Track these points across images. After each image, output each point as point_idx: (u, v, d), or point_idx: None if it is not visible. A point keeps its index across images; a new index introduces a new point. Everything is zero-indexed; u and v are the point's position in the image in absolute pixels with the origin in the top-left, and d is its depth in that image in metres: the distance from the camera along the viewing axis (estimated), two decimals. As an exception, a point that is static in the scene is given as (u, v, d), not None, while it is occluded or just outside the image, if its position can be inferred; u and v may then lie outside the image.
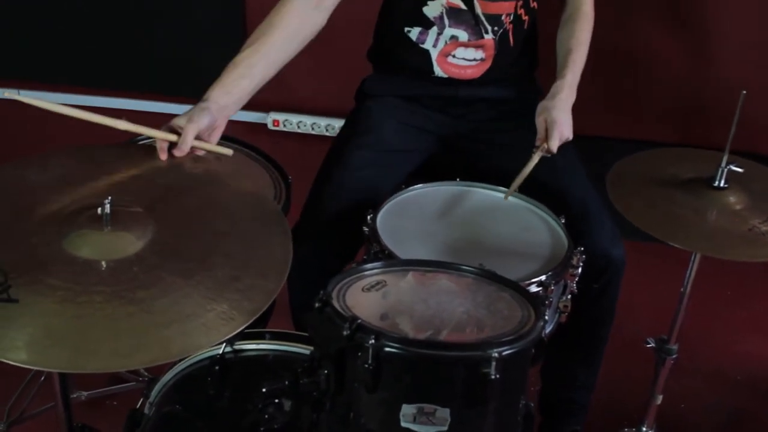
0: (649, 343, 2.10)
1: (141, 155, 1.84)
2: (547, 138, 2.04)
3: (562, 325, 1.98)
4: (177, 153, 1.81)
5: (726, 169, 1.80)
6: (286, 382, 1.57)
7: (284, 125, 3.14)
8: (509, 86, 2.26)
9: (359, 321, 1.49)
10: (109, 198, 1.58)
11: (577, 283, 1.95)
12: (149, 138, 1.93)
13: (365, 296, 1.63)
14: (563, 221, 1.98)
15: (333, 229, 2.07)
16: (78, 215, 1.60)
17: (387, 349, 1.47)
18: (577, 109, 2.07)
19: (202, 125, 1.83)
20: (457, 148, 2.27)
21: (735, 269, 2.93)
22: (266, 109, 3.13)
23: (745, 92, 1.69)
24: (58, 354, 1.39)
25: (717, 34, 2.77)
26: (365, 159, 2.16)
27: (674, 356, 2.10)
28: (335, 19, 2.77)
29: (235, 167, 2.04)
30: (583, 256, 1.92)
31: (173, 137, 1.81)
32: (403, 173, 2.20)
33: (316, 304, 1.57)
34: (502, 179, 2.08)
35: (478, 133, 2.26)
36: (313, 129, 3.14)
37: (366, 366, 1.47)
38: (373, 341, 1.47)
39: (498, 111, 2.26)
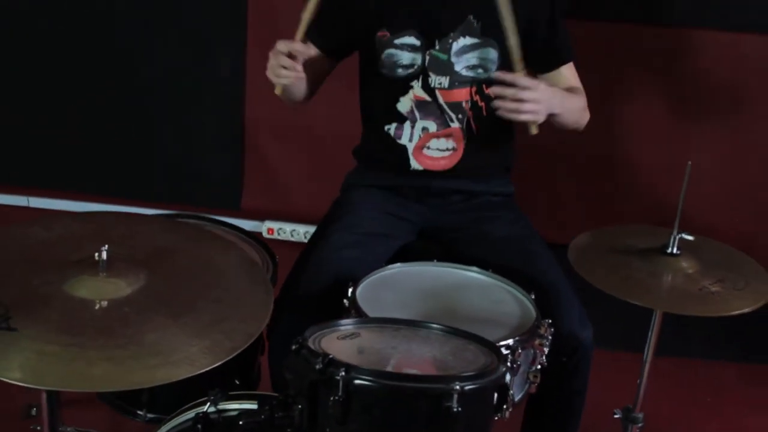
0: (617, 414, 2.18)
1: (138, 221, 2.00)
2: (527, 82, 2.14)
3: (537, 400, 2.07)
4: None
5: (678, 237, 1.94)
6: (262, 416, 1.66)
7: (278, 233, 3.31)
8: (482, 180, 2.43)
9: (331, 356, 1.61)
10: (106, 246, 1.72)
11: (548, 358, 2.06)
12: None
13: (339, 343, 1.75)
14: (533, 297, 2.11)
15: (311, 305, 2.18)
16: (77, 263, 1.74)
17: (356, 381, 1.58)
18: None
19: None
20: (434, 237, 2.42)
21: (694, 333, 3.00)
22: (261, 217, 3.30)
23: (690, 163, 1.86)
24: (50, 374, 1.51)
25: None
26: (345, 240, 2.30)
27: (640, 425, 2.18)
28: (328, 130, 3.01)
29: (225, 242, 2.18)
30: (551, 329, 2.03)
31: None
32: (382, 257, 2.32)
33: (293, 347, 1.69)
34: (477, 264, 2.21)
35: (453, 223, 2.41)
36: (305, 237, 3.30)
37: (336, 398, 1.58)
38: (343, 374, 1.58)
39: (472, 203, 2.42)
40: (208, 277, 1.82)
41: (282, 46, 2.14)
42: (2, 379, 1.49)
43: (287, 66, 2.13)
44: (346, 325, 1.85)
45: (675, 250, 1.97)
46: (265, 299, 1.78)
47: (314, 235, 2.38)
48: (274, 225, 3.31)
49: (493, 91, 2.17)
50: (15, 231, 1.87)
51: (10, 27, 3.16)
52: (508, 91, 2.13)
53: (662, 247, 1.99)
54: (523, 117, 2.14)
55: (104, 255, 1.72)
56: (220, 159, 3.24)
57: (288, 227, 3.30)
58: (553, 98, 2.20)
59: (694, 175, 1.87)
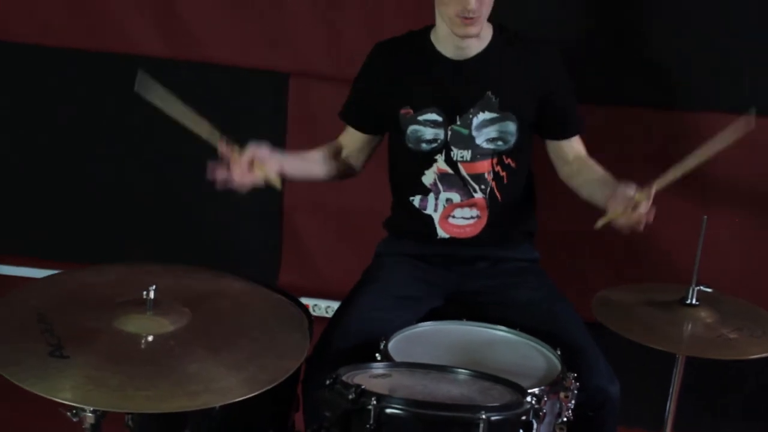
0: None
1: (185, 271, 2.11)
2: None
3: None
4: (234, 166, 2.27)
5: (696, 289, 2.03)
6: (296, 447, 1.75)
7: (314, 310, 3.39)
8: (507, 246, 2.52)
9: (363, 387, 1.70)
10: (154, 285, 1.84)
11: (574, 412, 2.12)
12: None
13: (372, 380, 1.84)
14: (559, 352, 2.18)
15: (344, 362, 2.25)
16: (125, 303, 1.86)
17: (388, 410, 1.67)
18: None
19: (261, 149, 2.31)
20: (461, 301, 2.51)
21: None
22: (297, 293, 3.37)
23: (706, 217, 1.95)
24: (98, 396, 1.61)
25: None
26: (376, 303, 2.39)
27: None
28: (363, 206, 3.13)
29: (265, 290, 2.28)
30: (577, 383, 2.10)
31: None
32: (411, 320, 2.39)
33: (327, 382, 1.78)
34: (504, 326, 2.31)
35: (479, 288, 2.49)
36: (340, 315, 3.38)
37: (368, 427, 1.66)
38: (375, 403, 1.67)
39: (497, 269, 2.51)
40: (248, 318, 1.93)
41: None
42: (54, 399, 1.60)
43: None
44: (378, 367, 1.94)
45: (694, 301, 2.06)
46: (301, 339, 1.89)
47: (347, 298, 2.47)
48: (310, 301, 3.40)
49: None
50: (68, 276, 2.00)
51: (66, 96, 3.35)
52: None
53: (682, 299, 2.08)
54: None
55: (152, 294, 1.83)
56: (258, 236, 3.35)
57: (323, 303, 3.39)
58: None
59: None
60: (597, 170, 2.46)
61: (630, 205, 2.11)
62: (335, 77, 3.10)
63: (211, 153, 3.25)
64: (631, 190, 2.14)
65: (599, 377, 2.22)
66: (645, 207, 2.11)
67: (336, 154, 2.59)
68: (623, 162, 3.03)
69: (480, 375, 1.92)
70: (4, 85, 3.34)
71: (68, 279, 1.99)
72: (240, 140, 3.28)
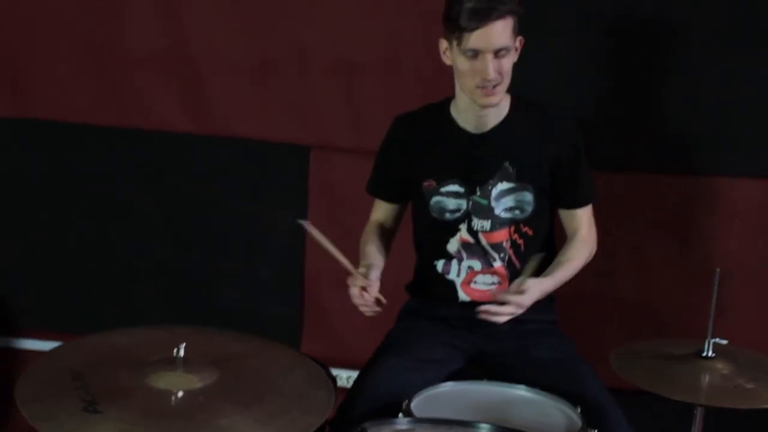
0: None
1: (213, 333, 2.17)
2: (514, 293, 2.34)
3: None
4: (368, 294, 2.42)
5: (712, 342, 2.07)
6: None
7: (336, 380, 3.42)
8: (528, 309, 2.52)
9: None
10: (184, 343, 1.90)
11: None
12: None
13: (397, 432, 1.88)
14: (579, 410, 2.21)
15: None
16: (156, 362, 1.92)
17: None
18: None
19: (376, 275, 2.47)
20: (482, 363, 2.55)
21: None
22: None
23: (719, 270, 2.01)
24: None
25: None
26: (399, 365, 2.43)
27: None
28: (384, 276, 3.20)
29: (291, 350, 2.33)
30: (598, 439, 2.14)
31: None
32: (433, 381, 2.41)
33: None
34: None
35: (500, 350, 2.53)
36: (362, 384, 3.40)
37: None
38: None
39: (518, 331, 2.53)
40: (274, 375, 1.98)
41: (353, 291, 2.46)
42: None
43: (365, 304, 2.44)
44: (402, 422, 1.99)
45: (710, 354, 2.10)
46: (327, 396, 1.94)
47: (370, 360, 2.52)
48: (332, 372, 3.43)
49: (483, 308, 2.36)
50: (99, 338, 2.07)
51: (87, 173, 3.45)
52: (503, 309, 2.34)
53: (698, 352, 2.13)
54: (502, 320, 2.35)
55: (182, 352, 1.89)
56: (280, 307, 3.41)
57: (345, 374, 3.42)
58: (536, 295, 2.38)
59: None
60: (561, 254, 2.55)
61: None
62: (355, 149, 3.20)
63: (236, 229, 3.41)
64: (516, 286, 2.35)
65: None
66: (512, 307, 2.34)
67: (382, 233, 2.68)
68: (638, 228, 3.15)
69: (502, 430, 1.95)
70: (34, 162, 3.44)
71: (99, 341, 2.06)
72: (263, 212, 3.43)
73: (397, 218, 2.71)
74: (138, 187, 3.38)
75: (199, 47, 3.24)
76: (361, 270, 2.47)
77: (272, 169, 3.34)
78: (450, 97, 2.56)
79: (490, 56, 2.34)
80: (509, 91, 2.49)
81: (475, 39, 2.33)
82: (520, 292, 2.34)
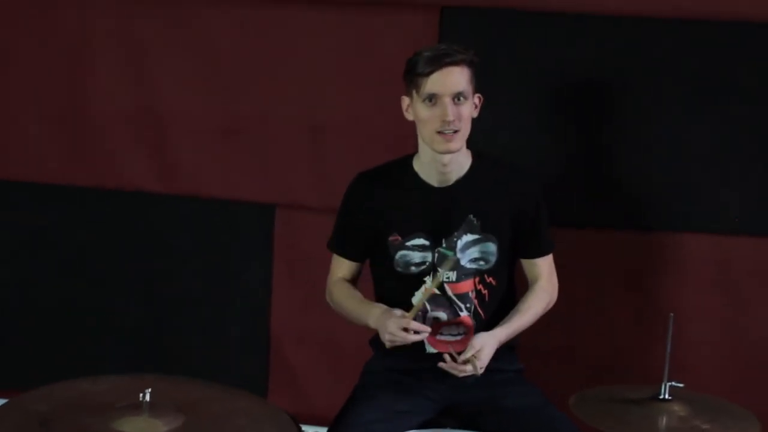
0: None
1: (179, 381, 2.19)
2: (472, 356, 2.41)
3: None
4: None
5: (668, 385, 2.13)
6: None
7: (303, 436, 3.42)
8: (493, 359, 2.55)
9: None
10: (149, 389, 1.92)
11: None
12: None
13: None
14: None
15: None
16: (122, 408, 1.94)
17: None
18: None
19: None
20: (454, 413, 2.58)
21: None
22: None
23: (673, 314, 2.07)
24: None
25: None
26: (372, 416, 2.46)
27: None
28: (348, 331, 3.22)
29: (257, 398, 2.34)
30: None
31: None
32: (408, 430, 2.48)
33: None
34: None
35: (470, 400, 2.56)
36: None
37: None
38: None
39: (486, 380, 2.55)
40: (241, 422, 2.00)
41: (399, 323, 2.44)
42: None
43: (401, 340, 2.44)
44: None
45: (667, 396, 2.17)
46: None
47: (341, 413, 2.53)
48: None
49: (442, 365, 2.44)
50: (65, 385, 2.08)
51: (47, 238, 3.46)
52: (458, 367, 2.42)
53: (655, 395, 2.19)
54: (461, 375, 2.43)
55: (147, 397, 1.91)
56: (246, 365, 3.42)
57: (311, 430, 3.43)
58: (493, 349, 2.46)
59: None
60: (521, 302, 2.61)
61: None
62: (320, 208, 3.25)
63: (203, 287, 3.45)
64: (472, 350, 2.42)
65: None
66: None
67: (352, 287, 2.71)
68: (597, 283, 3.23)
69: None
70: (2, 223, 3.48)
71: (65, 388, 2.07)
72: (229, 270, 3.47)
73: (358, 275, 2.72)
74: (104, 245, 3.41)
75: (167, 108, 3.31)
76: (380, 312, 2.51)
77: (238, 227, 3.39)
78: (412, 154, 2.63)
79: (448, 100, 2.43)
80: (470, 147, 2.57)
81: (432, 83, 2.44)
82: (477, 354, 2.42)
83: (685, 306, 3.09)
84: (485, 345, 2.43)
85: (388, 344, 2.45)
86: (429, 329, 2.45)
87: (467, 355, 2.41)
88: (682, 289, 3.12)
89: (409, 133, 3.06)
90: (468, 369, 2.41)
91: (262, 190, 3.33)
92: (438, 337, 2.58)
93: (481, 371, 2.42)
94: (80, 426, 1.87)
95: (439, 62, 2.43)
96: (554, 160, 3.16)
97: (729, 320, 3.13)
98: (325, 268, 3.22)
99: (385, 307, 2.52)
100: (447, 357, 2.43)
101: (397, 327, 2.41)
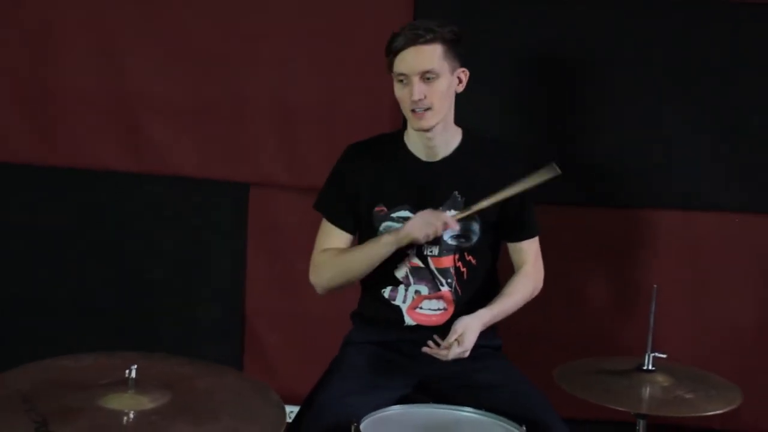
0: None
1: (160, 358, 2.17)
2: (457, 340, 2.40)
3: None
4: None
5: (652, 355, 2.15)
6: None
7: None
8: None
9: None
10: (135, 366, 1.90)
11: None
12: None
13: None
14: (524, 429, 2.25)
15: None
16: (106, 385, 1.92)
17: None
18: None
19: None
20: (430, 387, 2.57)
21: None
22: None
23: (656, 286, 2.09)
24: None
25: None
26: (347, 387, 2.46)
27: None
28: (323, 314, 3.21)
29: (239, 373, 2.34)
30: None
31: None
32: (382, 405, 2.40)
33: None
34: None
35: (446, 373, 2.55)
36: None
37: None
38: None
39: (464, 355, 2.61)
40: (227, 396, 1.99)
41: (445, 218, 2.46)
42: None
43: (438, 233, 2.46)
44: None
45: (650, 367, 2.19)
46: (279, 413, 1.95)
47: (317, 385, 2.54)
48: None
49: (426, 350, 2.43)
50: (48, 363, 2.05)
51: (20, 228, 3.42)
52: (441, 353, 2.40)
53: (639, 366, 2.21)
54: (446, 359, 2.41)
55: (133, 373, 1.89)
56: (220, 344, 3.40)
57: (288, 409, 3.41)
58: (477, 331, 2.44)
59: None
60: (506, 287, 2.61)
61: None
62: (293, 186, 3.26)
63: (177, 267, 3.41)
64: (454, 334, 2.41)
65: None
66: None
67: None
68: (571, 260, 3.25)
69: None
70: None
71: (49, 365, 2.04)
72: (203, 250, 3.44)
73: None
74: (75, 226, 3.37)
75: (138, 87, 3.26)
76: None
77: (211, 206, 3.36)
78: (401, 129, 2.64)
79: (415, 79, 2.44)
80: (459, 124, 2.58)
81: (400, 62, 2.45)
82: (459, 338, 2.41)
83: (659, 280, 3.13)
84: (468, 328, 2.43)
85: (423, 238, 2.46)
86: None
87: (450, 339, 2.41)
88: (655, 264, 3.18)
89: (380, 112, 3.11)
90: (453, 353, 2.40)
91: (236, 169, 3.31)
92: (417, 310, 2.59)
93: (466, 354, 2.42)
94: (65, 403, 1.84)
95: (409, 42, 2.43)
96: (528, 138, 3.17)
97: (700, 293, 3.20)
98: (299, 245, 3.22)
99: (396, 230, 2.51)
100: (430, 343, 2.43)
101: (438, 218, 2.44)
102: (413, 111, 2.46)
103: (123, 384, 1.90)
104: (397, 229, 2.49)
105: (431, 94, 2.44)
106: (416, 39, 2.42)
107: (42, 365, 2.04)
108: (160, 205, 3.36)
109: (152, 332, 3.37)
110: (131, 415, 1.82)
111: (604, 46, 3.12)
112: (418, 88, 2.42)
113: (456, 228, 2.48)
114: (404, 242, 2.47)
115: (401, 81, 2.46)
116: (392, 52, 2.45)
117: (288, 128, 3.26)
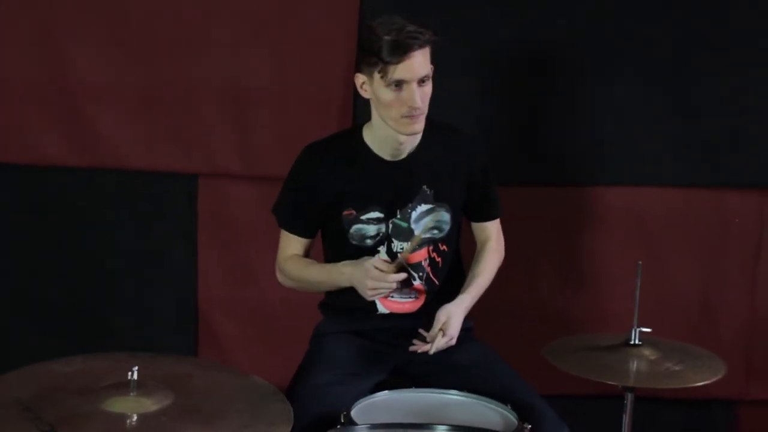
0: None
1: (149, 358, 2.11)
2: (441, 329, 2.45)
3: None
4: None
5: (638, 330, 2.22)
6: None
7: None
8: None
9: None
10: (136, 367, 1.85)
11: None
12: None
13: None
14: (509, 407, 2.29)
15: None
16: (107, 387, 1.87)
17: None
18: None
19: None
20: (406, 372, 2.58)
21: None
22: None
23: (641, 262, 2.15)
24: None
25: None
26: (327, 378, 2.45)
27: None
28: (283, 304, 3.18)
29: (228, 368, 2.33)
30: (532, 434, 2.22)
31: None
32: (361, 394, 2.43)
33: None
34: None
35: (421, 358, 2.55)
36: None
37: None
38: None
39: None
40: (229, 392, 1.96)
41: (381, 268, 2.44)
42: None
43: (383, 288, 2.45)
44: (362, 429, 2.01)
45: (637, 341, 2.26)
46: (285, 407, 1.92)
47: (296, 377, 2.52)
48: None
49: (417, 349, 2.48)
50: (39, 368, 1.98)
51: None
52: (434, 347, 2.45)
53: (626, 341, 2.27)
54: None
55: (135, 375, 1.84)
56: (174, 338, 3.33)
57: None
58: (461, 317, 2.51)
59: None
60: (474, 267, 2.67)
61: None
62: (244, 175, 3.22)
63: (127, 261, 3.33)
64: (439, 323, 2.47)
65: (552, 425, 2.35)
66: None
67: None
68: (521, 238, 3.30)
69: (457, 428, 2.00)
70: None
71: (39, 370, 1.97)
72: (154, 242, 3.36)
73: (310, 249, 2.68)
74: (21, 223, 3.25)
75: (80, 78, 3.15)
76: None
77: (161, 198, 3.28)
78: (359, 125, 2.61)
79: (414, 85, 2.41)
80: None
81: (400, 71, 2.39)
82: (444, 326, 2.45)
83: (607, 255, 3.25)
84: (452, 315, 2.47)
85: (370, 297, 2.46)
86: (404, 275, 2.47)
87: (435, 330, 2.45)
88: (604, 240, 3.26)
89: (332, 95, 3.08)
90: (439, 343, 2.44)
91: (184, 160, 3.23)
92: (389, 299, 2.59)
93: (452, 342, 2.46)
94: (69, 409, 1.78)
95: (405, 50, 2.38)
96: (480, 120, 3.18)
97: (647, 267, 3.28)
98: (250, 236, 3.20)
99: (353, 261, 2.50)
100: (416, 341, 2.47)
101: (376, 278, 2.43)
102: (407, 116, 2.43)
103: (123, 386, 1.85)
104: (348, 274, 2.51)
105: (425, 98, 2.44)
106: (414, 44, 2.38)
107: (33, 370, 1.97)
108: (107, 199, 3.26)
109: (105, 327, 3.28)
110: (139, 418, 1.78)
111: (552, 24, 3.15)
112: (418, 94, 2.40)
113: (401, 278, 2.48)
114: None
115: (395, 87, 2.40)
116: (389, 61, 2.38)
117: (237, 115, 3.19)
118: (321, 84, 3.16)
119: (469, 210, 2.67)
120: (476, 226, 2.72)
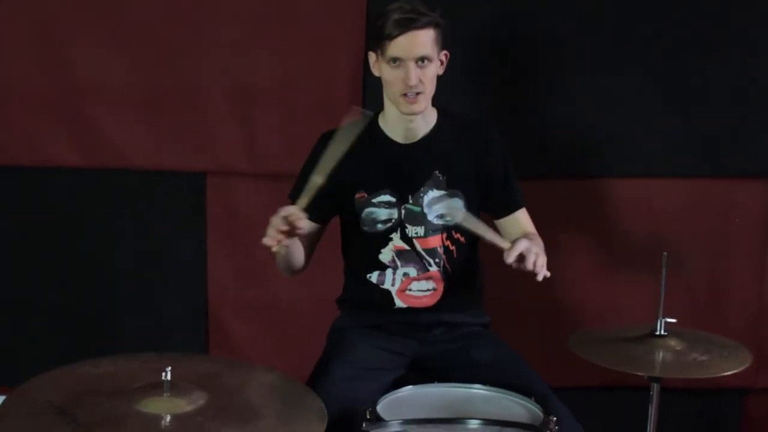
0: None
1: (175, 358, 2.09)
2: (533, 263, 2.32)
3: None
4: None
5: (663, 321, 2.23)
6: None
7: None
8: (461, 312, 2.64)
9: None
10: (170, 367, 1.84)
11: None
12: None
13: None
14: (533, 400, 2.30)
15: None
16: (139, 389, 1.86)
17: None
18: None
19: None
20: (424, 367, 2.59)
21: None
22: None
23: (666, 253, 2.15)
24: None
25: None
26: (347, 374, 2.45)
27: None
28: (293, 303, 3.17)
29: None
30: (557, 427, 2.22)
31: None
32: (380, 389, 2.42)
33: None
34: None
35: (440, 353, 2.59)
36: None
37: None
38: None
39: (455, 334, 2.62)
40: (260, 391, 1.96)
41: (282, 212, 2.27)
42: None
43: (282, 229, 2.26)
44: (394, 424, 2.03)
45: (663, 332, 2.27)
46: (318, 403, 1.92)
47: (315, 374, 2.51)
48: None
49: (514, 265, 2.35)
50: (67, 371, 1.97)
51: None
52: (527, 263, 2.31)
53: (651, 332, 2.29)
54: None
55: (168, 376, 1.83)
56: (185, 337, 3.32)
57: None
58: (539, 244, 2.45)
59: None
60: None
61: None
62: (252, 173, 3.20)
63: (137, 261, 3.31)
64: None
65: (567, 424, 2.32)
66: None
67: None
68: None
69: (490, 422, 2.01)
70: None
71: (69, 373, 1.96)
72: (163, 242, 3.35)
73: (317, 239, 2.65)
74: (29, 225, 3.23)
75: (86, 80, 3.12)
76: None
77: (169, 198, 3.26)
78: (373, 113, 2.61)
79: (411, 64, 2.43)
80: (435, 104, 2.58)
81: (397, 47, 2.43)
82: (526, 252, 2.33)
83: (619, 247, 3.25)
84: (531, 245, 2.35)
85: (262, 241, 2.28)
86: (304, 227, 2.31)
87: (529, 262, 2.30)
88: (615, 232, 3.26)
89: (338, 93, 3.06)
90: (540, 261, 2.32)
91: (192, 159, 3.21)
92: (406, 292, 2.59)
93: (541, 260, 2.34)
94: (103, 411, 1.77)
95: (404, 26, 2.42)
96: (489, 115, 3.15)
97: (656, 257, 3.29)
98: (260, 233, 3.16)
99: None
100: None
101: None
102: (405, 95, 2.45)
103: (157, 387, 1.84)
104: None
105: (424, 79, 2.44)
106: (412, 23, 2.40)
107: (64, 372, 1.96)
108: (115, 199, 3.24)
109: (115, 328, 3.26)
110: (174, 419, 1.77)
111: (556, 17, 3.14)
112: (414, 73, 2.42)
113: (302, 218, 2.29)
114: None
115: (393, 63, 2.44)
116: (385, 36, 2.42)
117: (244, 113, 3.17)
118: (328, 82, 3.15)
119: (491, 204, 2.63)
120: (506, 222, 2.64)
